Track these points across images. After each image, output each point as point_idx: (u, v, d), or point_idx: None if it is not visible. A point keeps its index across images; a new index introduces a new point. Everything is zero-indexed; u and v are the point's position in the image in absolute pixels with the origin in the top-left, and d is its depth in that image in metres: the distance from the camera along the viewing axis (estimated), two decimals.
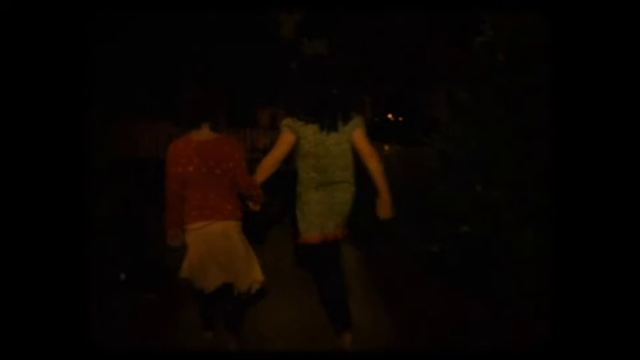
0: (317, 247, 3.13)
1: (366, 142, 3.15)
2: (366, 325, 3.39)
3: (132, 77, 8.30)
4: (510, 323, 3.13)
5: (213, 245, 2.86)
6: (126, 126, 8.37)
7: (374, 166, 3.12)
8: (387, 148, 11.68)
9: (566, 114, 2.19)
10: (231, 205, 2.89)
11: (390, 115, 17.16)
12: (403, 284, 4.22)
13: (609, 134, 2.10)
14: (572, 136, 2.17)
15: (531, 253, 3.27)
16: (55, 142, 2.13)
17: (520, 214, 3.51)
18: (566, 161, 2.18)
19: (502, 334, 3.06)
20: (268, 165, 3.13)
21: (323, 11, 7.25)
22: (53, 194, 2.11)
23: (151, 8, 6.25)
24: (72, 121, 2.18)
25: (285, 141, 3.09)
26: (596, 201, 2.09)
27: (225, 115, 2.98)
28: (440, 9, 6.47)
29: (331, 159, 3.09)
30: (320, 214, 3.11)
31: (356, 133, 3.13)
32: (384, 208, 3.18)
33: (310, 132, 3.06)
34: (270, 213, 3.48)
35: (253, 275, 2.99)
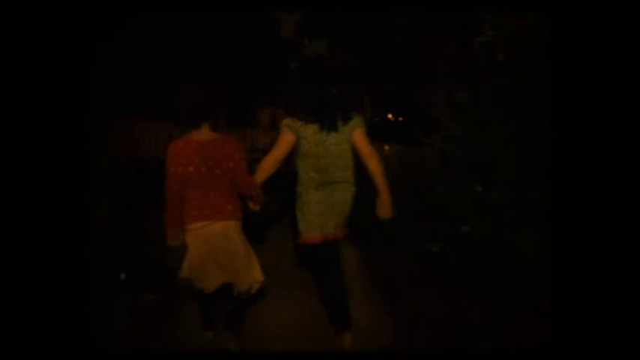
0: (317, 247, 3.13)
1: (366, 142, 3.15)
2: (367, 325, 3.40)
3: (132, 77, 8.30)
4: (510, 323, 3.13)
5: (213, 245, 2.86)
6: (126, 126, 8.37)
7: (374, 165, 3.13)
8: (387, 148, 11.68)
9: (566, 114, 2.19)
10: (231, 205, 2.89)
11: (390, 115, 17.15)
12: (403, 284, 4.22)
13: (609, 134, 2.10)
14: (572, 136, 2.17)
15: (531, 253, 3.27)
16: (55, 142, 2.13)
17: (520, 214, 3.51)
18: (566, 161, 2.18)
19: (502, 334, 3.06)
20: (268, 165, 3.13)
21: (323, 11, 7.25)
22: (53, 194, 2.11)
23: (151, 8, 6.26)
24: (72, 121, 2.19)
25: (285, 141, 3.09)
26: (596, 201, 2.09)
27: (225, 115, 2.97)
28: (440, 9, 6.47)
29: (331, 159, 3.09)
30: (320, 214, 3.11)
31: (356, 133, 3.13)
32: (384, 208, 3.18)
33: (310, 132, 3.06)
34: (270, 213, 3.48)
35: (253, 275, 2.99)
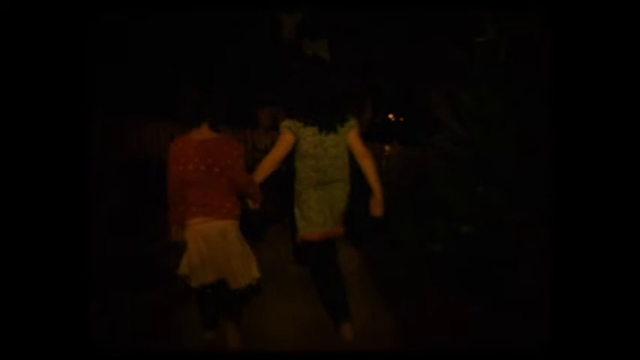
0: (316, 244, 3.24)
1: (360, 142, 3.30)
2: (368, 325, 3.40)
3: (133, 77, 8.30)
4: (511, 323, 3.13)
5: (212, 243, 2.91)
6: (128, 125, 8.37)
7: (368, 165, 3.27)
8: (388, 148, 11.67)
9: (568, 114, 2.19)
10: (229, 203, 2.93)
11: (391, 116, 17.14)
12: (404, 284, 4.21)
13: (611, 135, 2.09)
14: (573, 137, 2.17)
15: (533, 253, 3.27)
16: (56, 142, 2.13)
17: (522, 214, 3.50)
18: (568, 162, 2.18)
19: (503, 334, 3.06)
20: (268, 165, 3.22)
21: (323, 12, 7.24)
22: (54, 194, 2.11)
23: (151, 9, 6.25)
24: (73, 121, 2.19)
25: (284, 141, 3.20)
26: (597, 202, 2.09)
27: (225, 114, 3.01)
28: (441, 9, 6.45)
29: (329, 159, 3.22)
30: (319, 212, 3.22)
31: (351, 135, 3.27)
32: (377, 205, 3.30)
33: (309, 133, 3.18)
34: (268, 211, 3.55)
35: (250, 272, 3.03)
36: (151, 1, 5.53)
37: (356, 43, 7.43)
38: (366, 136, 8.32)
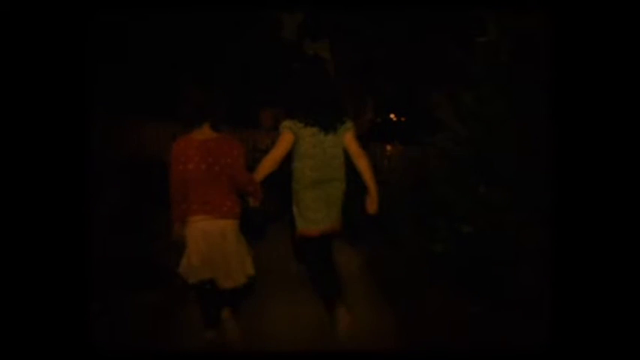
0: (313, 240, 3.37)
1: (356, 143, 3.42)
2: (369, 325, 3.40)
3: (135, 78, 8.31)
4: (512, 324, 3.12)
5: (212, 242, 2.95)
6: (129, 126, 8.39)
7: (363, 165, 3.40)
8: (389, 148, 11.68)
9: (570, 115, 2.18)
10: (230, 202, 2.98)
11: (392, 115, 17.15)
12: (406, 284, 4.21)
13: (612, 135, 2.09)
14: (574, 137, 2.16)
15: (534, 253, 3.26)
16: (56, 142, 2.13)
17: (522, 214, 3.50)
18: (569, 162, 2.17)
19: (503, 335, 3.05)
20: (268, 164, 3.30)
21: (324, 12, 7.24)
22: (54, 194, 2.11)
23: (151, 9, 6.26)
24: (74, 121, 2.19)
25: (285, 141, 3.29)
26: (598, 202, 2.08)
27: (225, 114, 3.05)
28: (442, 9, 6.45)
29: (327, 159, 3.34)
30: (316, 209, 3.35)
31: (347, 136, 3.40)
32: (372, 203, 3.45)
33: (309, 133, 3.28)
34: (269, 210, 3.63)
35: (245, 270, 3.08)
36: (151, 1, 5.53)
37: (357, 43, 7.42)
38: (367, 136, 8.34)
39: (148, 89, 8.83)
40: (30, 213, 2.05)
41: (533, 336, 2.57)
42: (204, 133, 2.93)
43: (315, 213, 3.34)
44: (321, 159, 3.32)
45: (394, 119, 17.16)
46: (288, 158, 3.39)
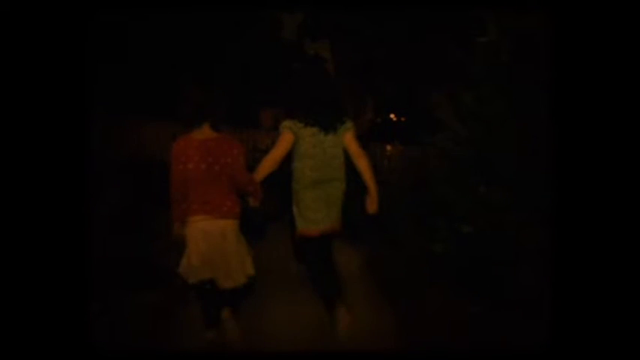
0: (313, 239, 3.38)
1: (356, 143, 3.43)
2: (368, 325, 3.40)
3: (133, 77, 8.31)
4: (512, 324, 3.12)
5: (212, 242, 2.96)
6: (127, 126, 8.40)
7: (363, 165, 3.42)
8: (389, 148, 11.68)
9: (570, 115, 2.18)
10: (230, 202, 2.99)
11: (392, 115, 17.14)
12: (404, 284, 4.21)
13: (612, 135, 2.09)
14: (574, 137, 2.16)
15: (534, 253, 3.26)
16: (57, 142, 2.13)
17: (522, 214, 3.50)
18: (569, 162, 2.17)
19: (503, 335, 3.05)
20: (268, 164, 3.31)
21: (324, 12, 7.24)
22: (55, 194, 2.11)
23: (151, 9, 6.26)
24: (74, 121, 2.19)
25: (285, 141, 3.30)
26: (598, 202, 2.08)
27: (225, 114, 3.06)
28: (442, 9, 6.46)
29: (327, 159, 3.35)
30: (315, 210, 3.35)
31: (347, 136, 3.41)
32: (372, 202, 3.46)
33: (309, 133, 3.29)
34: (269, 210, 3.65)
35: (245, 270, 3.08)
36: (151, 1, 5.53)
37: (357, 43, 7.42)
38: (367, 136, 8.35)
39: (148, 89, 8.83)
40: (30, 213, 2.06)
41: (533, 336, 2.57)
42: (205, 132, 2.94)
43: (315, 213, 3.35)
44: (321, 159, 3.33)
45: (394, 119, 17.15)
46: (289, 158, 3.40)
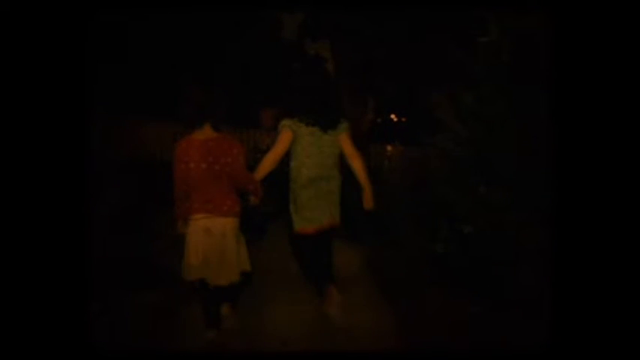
0: (310, 237, 3.48)
1: (351, 144, 3.52)
2: (368, 325, 3.40)
3: (133, 77, 8.31)
4: (512, 324, 3.12)
5: (212, 241, 3.00)
6: (127, 126, 8.39)
7: (357, 165, 3.53)
8: (389, 148, 11.68)
9: (569, 114, 2.18)
10: (230, 201, 3.04)
11: (393, 116, 17.14)
12: (404, 284, 4.21)
13: (612, 135, 2.09)
14: (575, 137, 2.16)
15: (533, 253, 3.26)
16: (56, 142, 2.13)
17: (522, 214, 3.50)
18: (569, 162, 2.17)
19: (503, 335, 3.05)
20: (268, 163, 3.39)
21: (325, 12, 7.23)
22: (55, 194, 2.11)
23: (151, 9, 6.25)
24: (73, 121, 2.19)
25: (284, 139, 3.38)
26: (598, 202, 2.08)
27: (226, 114, 3.09)
28: (443, 9, 6.44)
29: (323, 158, 3.42)
30: (312, 208, 3.43)
31: (343, 136, 3.48)
32: (367, 200, 3.56)
33: (307, 132, 3.37)
34: (267, 209, 3.69)
35: (242, 265, 3.13)
36: (151, 1, 5.52)
37: (357, 43, 7.41)
38: (367, 136, 8.33)
39: (148, 89, 8.84)
40: (30, 213, 2.06)
41: (533, 336, 2.57)
42: (205, 133, 2.98)
43: (312, 211, 3.43)
44: (318, 158, 3.40)
45: (395, 119, 17.15)
46: (289, 157, 3.47)
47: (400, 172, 8.38)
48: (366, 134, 7.74)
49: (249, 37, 9.44)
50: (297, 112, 3.43)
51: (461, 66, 4.29)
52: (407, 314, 3.60)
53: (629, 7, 2.09)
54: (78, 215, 2.17)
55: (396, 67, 7.95)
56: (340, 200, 3.59)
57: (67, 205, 2.14)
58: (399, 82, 8.71)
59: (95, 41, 2.43)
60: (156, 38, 8.78)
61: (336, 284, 3.51)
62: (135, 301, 3.67)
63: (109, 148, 5.14)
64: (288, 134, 3.37)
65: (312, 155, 3.39)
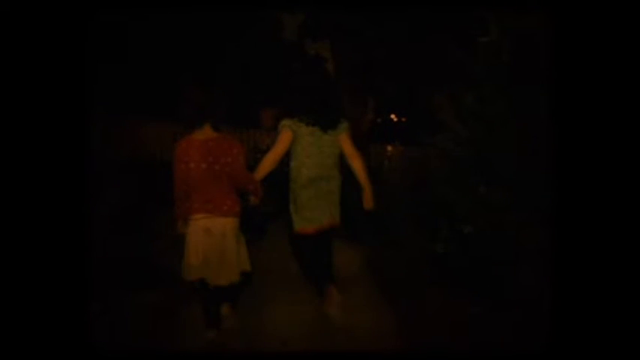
0: (310, 237, 3.49)
1: (350, 144, 3.52)
2: (368, 325, 3.40)
3: (133, 77, 8.31)
4: (512, 324, 3.12)
5: (212, 241, 3.01)
6: (127, 126, 8.39)
7: (357, 165, 3.54)
8: (390, 148, 11.68)
9: (570, 114, 2.18)
10: (230, 201, 3.05)
11: (393, 116, 17.14)
12: (404, 284, 4.21)
13: (612, 135, 2.09)
14: (575, 137, 2.16)
15: (533, 253, 3.26)
16: (56, 142, 2.14)
17: (522, 214, 3.50)
18: (569, 162, 2.17)
19: (503, 335, 3.05)
20: (268, 163, 3.39)
21: (325, 12, 7.23)
22: (55, 194, 2.11)
23: (151, 9, 6.25)
24: (73, 121, 2.19)
25: (284, 139, 3.38)
26: (598, 202, 2.08)
27: (226, 114, 3.09)
28: (443, 9, 6.44)
29: (323, 158, 3.43)
30: (312, 208, 3.44)
31: (343, 136, 3.49)
32: (367, 200, 3.56)
33: (307, 132, 3.37)
34: (268, 209, 3.70)
35: (242, 265, 3.14)
36: (151, 1, 5.52)
37: (357, 43, 7.41)
38: (367, 136, 8.32)
39: (148, 89, 8.84)
40: (30, 213, 2.06)
41: (533, 336, 2.57)
42: (205, 133, 2.99)
43: (312, 211, 3.43)
44: (318, 158, 3.40)
45: (395, 119, 17.15)
46: (289, 157, 3.47)
47: (400, 172, 8.37)
48: (366, 134, 7.74)
49: (250, 37, 9.43)
50: (297, 112, 3.43)
51: (461, 66, 4.29)
52: (407, 314, 3.60)
53: (629, 7, 2.09)
54: (78, 215, 2.17)
55: (396, 67, 7.94)
56: (340, 200, 3.59)
57: (67, 205, 2.14)
58: (399, 82, 8.70)
59: (95, 41, 2.43)
60: (156, 38, 8.78)
61: (336, 284, 3.51)
62: (135, 301, 3.67)
63: (109, 148, 5.13)
64: (288, 134, 3.37)
65: (312, 155, 3.40)
